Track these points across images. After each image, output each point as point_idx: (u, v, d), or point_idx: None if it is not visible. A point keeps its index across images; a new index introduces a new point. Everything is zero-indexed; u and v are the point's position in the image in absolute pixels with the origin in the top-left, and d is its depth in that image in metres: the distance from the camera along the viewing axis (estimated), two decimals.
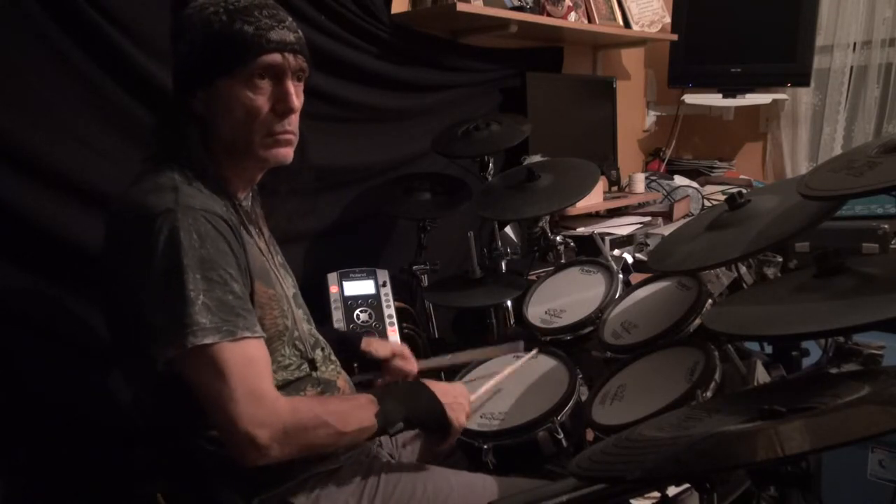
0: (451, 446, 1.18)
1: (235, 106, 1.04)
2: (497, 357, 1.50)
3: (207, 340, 0.92)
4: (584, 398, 1.31)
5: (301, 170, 1.17)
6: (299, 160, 1.14)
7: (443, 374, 1.79)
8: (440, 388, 1.15)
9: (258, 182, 1.17)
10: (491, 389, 1.33)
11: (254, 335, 0.97)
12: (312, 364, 1.13)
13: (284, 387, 1.08)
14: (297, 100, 1.07)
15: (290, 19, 1.07)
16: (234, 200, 1.10)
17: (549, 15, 2.41)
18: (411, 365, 1.45)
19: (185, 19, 1.05)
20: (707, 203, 2.89)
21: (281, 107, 1.05)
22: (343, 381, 1.21)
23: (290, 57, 1.05)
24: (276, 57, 1.03)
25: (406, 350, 1.46)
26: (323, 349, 1.20)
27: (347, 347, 1.37)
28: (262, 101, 1.04)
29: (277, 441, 0.94)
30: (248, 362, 0.96)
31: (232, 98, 1.03)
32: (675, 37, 3.05)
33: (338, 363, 1.24)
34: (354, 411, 1.04)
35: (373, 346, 1.42)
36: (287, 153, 1.10)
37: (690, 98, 3.20)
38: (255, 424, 0.93)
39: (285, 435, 0.95)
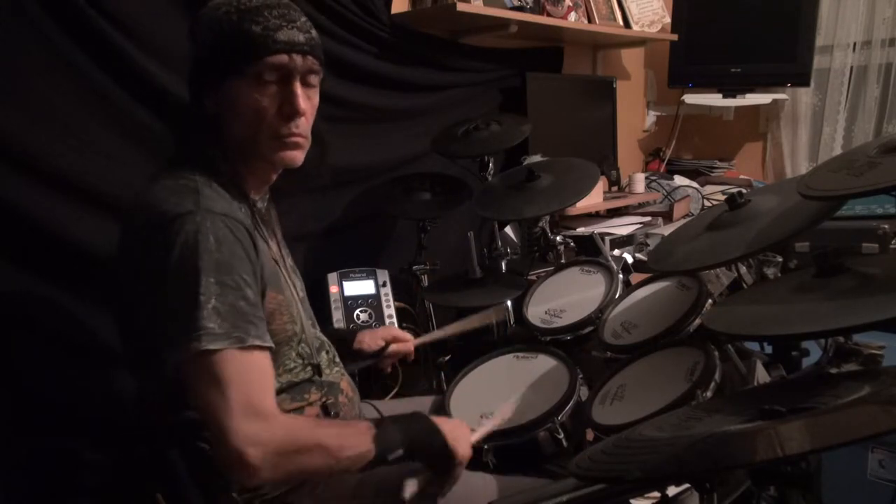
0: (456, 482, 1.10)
1: (243, 106, 1.03)
2: (484, 322, 1.58)
3: (214, 346, 0.89)
4: (584, 398, 1.31)
5: (320, 171, 1.17)
6: (317, 161, 1.13)
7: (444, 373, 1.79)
8: (438, 419, 1.11)
9: (272, 183, 1.17)
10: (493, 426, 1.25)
11: (263, 344, 0.95)
12: (317, 369, 1.13)
13: (288, 389, 1.08)
14: (306, 102, 1.05)
15: (302, 19, 1.05)
16: (250, 202, 1.09)
17: (549, 15, 2.41)
18: (407, 346, 1.47)
19: (199, 19, 1.05)
20: (707, 203, 2.89)
21: (287, 108, 1.04)
22: (346, 383, 1.21)
23: (298, 58, 1.03)
24: (282, 58, 1.02)
25: (398, 332, 1.48)
26: (328, 352, 1.20)
27: (343, 350, 1.33)
28: (269, 102, 1.03)
29: (270, 462, 0.91)
30: (252, 374, 0.93)
31: (240, 99, 1.03)
32: (675, 37, 3.04)
33: (342, 365, 1.23)
34: (352, 436, 0.99)
35: (364, 342, 1.42)
36: (294, 156, 1.08)
37: (690, 98, 3.20)
38: (249, 442, 0.89)
39: (278, 456, 0.91)
